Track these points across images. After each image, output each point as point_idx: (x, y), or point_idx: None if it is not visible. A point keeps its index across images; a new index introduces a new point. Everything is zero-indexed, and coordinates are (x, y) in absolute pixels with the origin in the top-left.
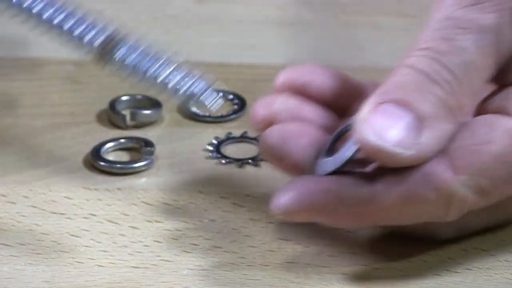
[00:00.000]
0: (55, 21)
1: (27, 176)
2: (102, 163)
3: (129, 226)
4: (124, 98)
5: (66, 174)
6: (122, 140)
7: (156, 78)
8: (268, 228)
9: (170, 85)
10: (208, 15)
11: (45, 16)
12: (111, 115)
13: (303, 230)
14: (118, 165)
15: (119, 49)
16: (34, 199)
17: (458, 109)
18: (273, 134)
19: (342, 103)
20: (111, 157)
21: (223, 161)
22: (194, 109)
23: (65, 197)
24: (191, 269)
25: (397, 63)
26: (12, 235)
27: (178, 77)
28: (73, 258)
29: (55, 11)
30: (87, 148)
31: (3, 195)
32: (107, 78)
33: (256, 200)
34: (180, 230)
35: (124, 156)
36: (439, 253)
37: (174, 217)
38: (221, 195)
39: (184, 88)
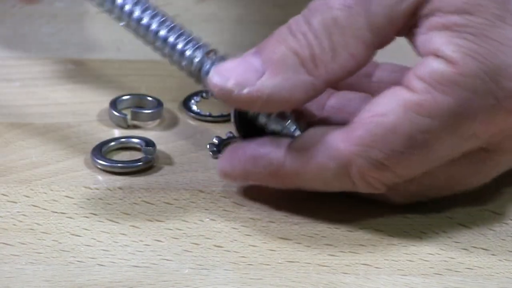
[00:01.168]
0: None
1: (28, 175)
2: (103, 162)
3: (130, 225)
4: (125, 97)
5: (67, 173)
6: (123, 140)
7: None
8: (268, 228)
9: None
10: (208, 15)
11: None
12: (112, 115)
13: (303, 229)
14: (119, 165)
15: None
16: (35, 198)
17: (313, 62)
18: None
19: None
20: (112, 156)
21: None
22: (194, 108)
23: (66, 196)
24: (192, 268)
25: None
26: (13, 234)
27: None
28: (74, 257)
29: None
30: (88, 147)
31: (4, 195)
32: (108, 78)
33: (256, 199)
34: (181, 229)
35: (125, 156)
36: (440, 252)
37: (175, 216)
38: (222, 195)
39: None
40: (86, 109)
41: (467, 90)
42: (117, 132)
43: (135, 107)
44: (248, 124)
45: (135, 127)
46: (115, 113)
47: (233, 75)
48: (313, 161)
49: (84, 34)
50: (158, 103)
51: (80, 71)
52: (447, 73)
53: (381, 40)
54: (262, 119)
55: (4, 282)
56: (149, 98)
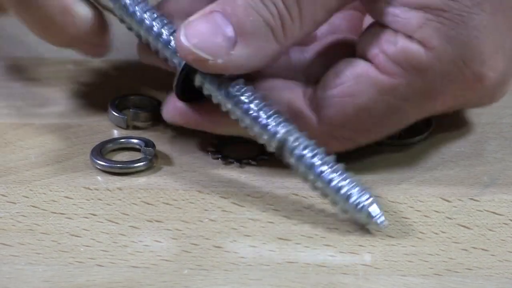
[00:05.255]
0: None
1: (27, 175)
2: (102, 163)
3: (129, 226)
4: (125, 98)
5: (66, 173)
6: (123, 140)
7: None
8: (268, 228)
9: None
10: None
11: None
12: (111, 115)
13: (303, 230)
14: (119, 165)
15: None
16: (34, 198)
17: (283, 32)
18: None
19: None
20: (111, 156)
21: (224, 161)
22: None
23: (65, 197)
24: (192, 269)
25: None
26: (12, 235)
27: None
28: (73, 257)
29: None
30: (88, 148)
31: (3, 195)
32: (108, 78)
33: (256, 199)
34: (180, 230)
35: (124, 156)
36: (439, 253)
37: (174, 217)
38: (221, 195)
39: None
40: (86, 109)
41: (441, 74)
42: (116, 133)
43: (135, 107)
44: (190, 90)
45: (135, 127)
46: (115, 113)
47: (206, 41)
48: None
49: None
50: (158, 103)
51: (80, 71)
52: (424, 58)
53: (343, 5)
54: (211, 85)
55: (4, 283)
56: (149, 98)
